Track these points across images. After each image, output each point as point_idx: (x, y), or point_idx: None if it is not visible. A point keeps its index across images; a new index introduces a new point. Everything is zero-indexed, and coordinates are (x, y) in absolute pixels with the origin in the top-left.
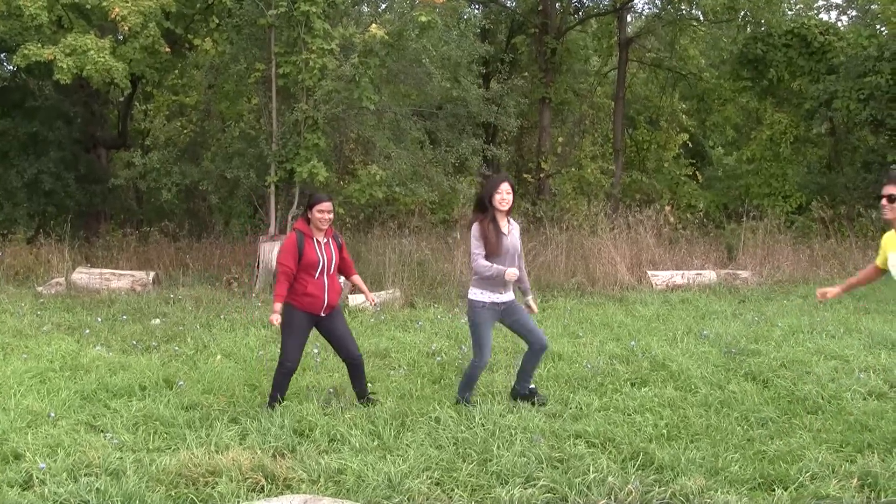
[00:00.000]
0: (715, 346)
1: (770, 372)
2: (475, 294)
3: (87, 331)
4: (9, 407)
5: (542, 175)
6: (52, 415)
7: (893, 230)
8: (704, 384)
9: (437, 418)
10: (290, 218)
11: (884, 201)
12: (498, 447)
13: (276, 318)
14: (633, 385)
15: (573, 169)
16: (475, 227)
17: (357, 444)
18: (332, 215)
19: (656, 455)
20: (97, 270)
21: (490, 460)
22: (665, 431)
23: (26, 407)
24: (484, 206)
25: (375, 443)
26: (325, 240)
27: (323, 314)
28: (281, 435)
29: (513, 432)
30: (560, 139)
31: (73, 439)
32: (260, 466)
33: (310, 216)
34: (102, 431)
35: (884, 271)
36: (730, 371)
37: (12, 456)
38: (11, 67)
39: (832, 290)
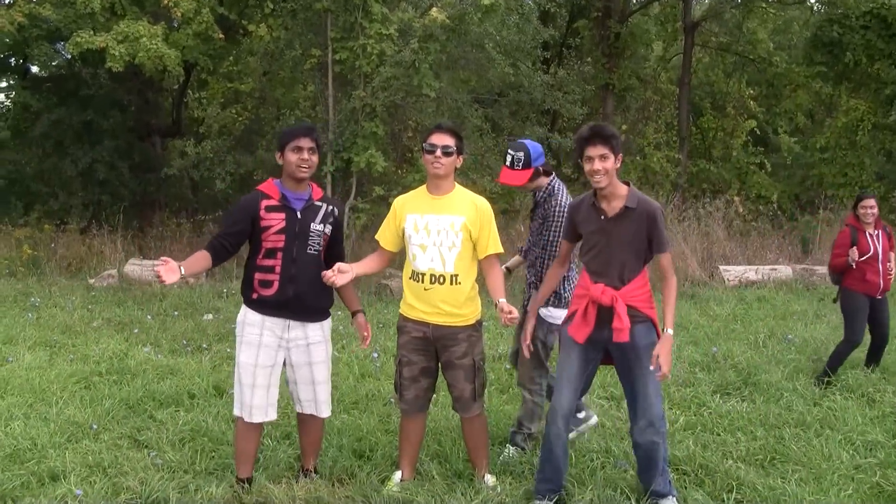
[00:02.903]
0: (802, 352)
1: (870, 385)
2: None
3: (137, 329)
4: (50, 417)
5: None
6: (95, 427)
7: None
8: (797, 397)
9: (514, 441)
10: (347, 209)
11: None
12: (579, 474)
13: None
14: (718, 394)
15: (637, 158)
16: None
17: (422, 470)
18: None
19: (756, 486)
20: (149, 262)
21: (573, 488)
22: (761, 456)
23: (68, 417)
24: None
25: (444, 467)
26: (876, 231)
27: (878, 296)
28: (339, 457)
29: (594, 457)
30: (623, 126)
31: (114, 457)
32: (316, 499)
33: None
34: (146, 447)
35: None
36: (823, 384)
37: (49, 477)
38: (67, 55)
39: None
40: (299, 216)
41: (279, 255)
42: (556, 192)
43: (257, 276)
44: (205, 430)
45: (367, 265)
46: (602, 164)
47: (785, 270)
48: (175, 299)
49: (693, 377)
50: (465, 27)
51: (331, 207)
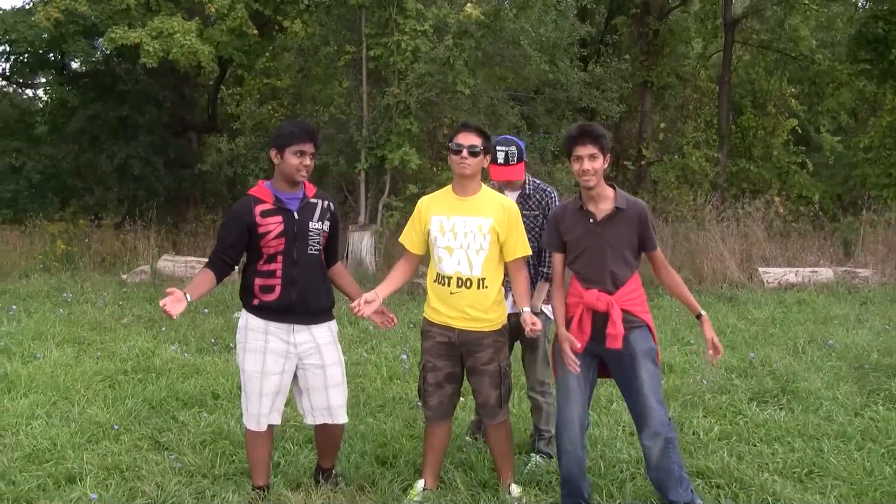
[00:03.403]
0: (843, 359)
1: None
2: None
3: (165, 327)
4: (72, 416)
5: (643, 162)
6: (116, 427)
7: None
8: (837, 407)
9: (538, 449)
10: (380, 206)
11: None
12: (607, 486)
13: None
14: (755, 402)
15: (676, 156)
16: None
17: (446, 479)
18: None
19: (793, 502)
20: (182, 258)
21: (601, 501)
22: (799, 470)
23: (90, 417)
24: None
25: (468, 476)
26: None
27: None
28: (361, 464)
29: (624, 467)
30: (662, 125)
31: (133, 459)
32: None
33: None
34: (166, 449)
35: None
36: (865, 393)
37: (66, 479)
38: (105, 51)
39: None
40: (296, 217)
41: (279, 258)
42: (540, 182)
43: (258, 281)
44: (226, 432)
45: (393, 282)
46: (591, 163)
47: (826, 273)
48: (206, 296)
49: (729, 384)
50: (500, 23)
51: (326, 203)
